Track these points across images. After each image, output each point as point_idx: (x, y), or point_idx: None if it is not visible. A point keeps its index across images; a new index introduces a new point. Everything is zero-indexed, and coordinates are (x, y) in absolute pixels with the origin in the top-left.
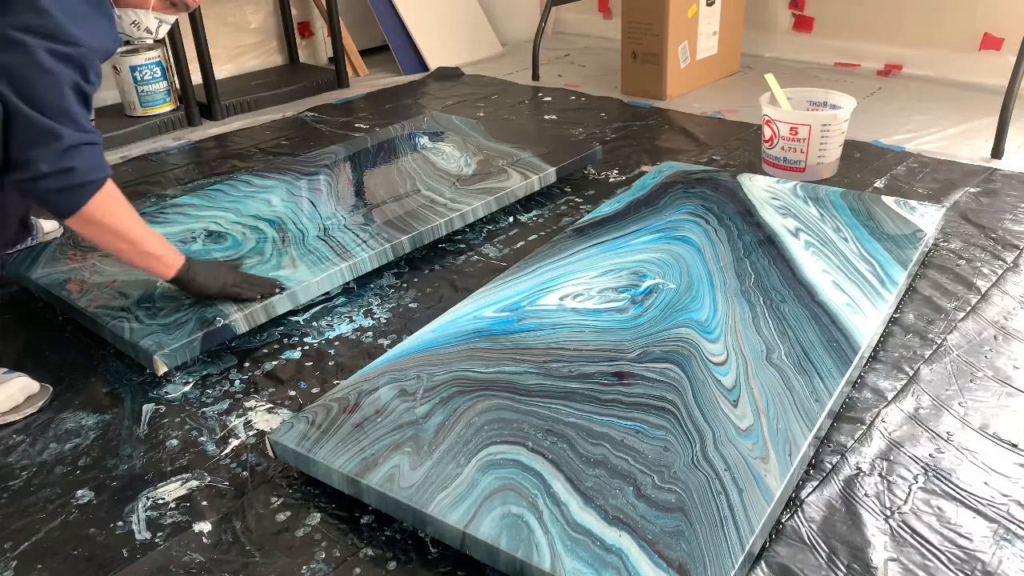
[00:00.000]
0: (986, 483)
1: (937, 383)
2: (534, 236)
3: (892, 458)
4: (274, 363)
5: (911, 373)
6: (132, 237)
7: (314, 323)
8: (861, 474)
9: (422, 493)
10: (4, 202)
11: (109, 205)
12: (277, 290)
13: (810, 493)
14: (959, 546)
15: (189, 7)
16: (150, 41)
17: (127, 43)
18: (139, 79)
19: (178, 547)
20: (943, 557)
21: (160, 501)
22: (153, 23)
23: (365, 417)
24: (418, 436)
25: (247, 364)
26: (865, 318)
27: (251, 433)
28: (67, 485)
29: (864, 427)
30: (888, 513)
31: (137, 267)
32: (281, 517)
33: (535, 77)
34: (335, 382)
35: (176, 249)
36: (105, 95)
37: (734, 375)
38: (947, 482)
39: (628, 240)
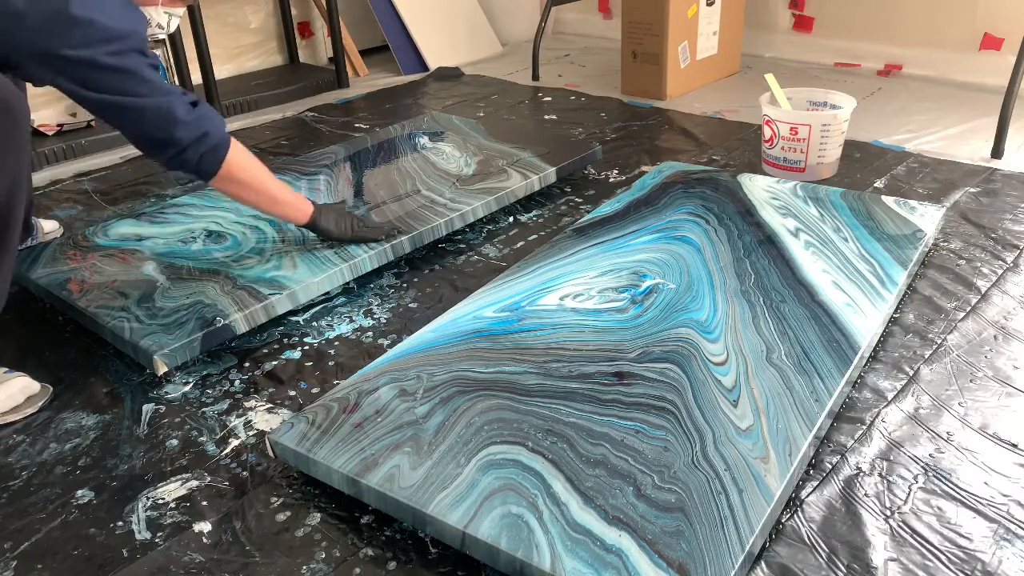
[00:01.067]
0: (986, 483)
1: (937, 383)
2: (534, 236)
3: (892, 458)
4: (274, 363)
5: (911, 373)
6: (267, 187)
7: (314, 323)
8: (861, 474)
9: (422, 493)
10: None
11: (243, 158)
12: (397, 232)
13: (810, 493)
14: (959, 546)
15: None
16: (163, 36)
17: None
18: None
19: (178, 547)
20: (943, 557)
21: (160, 501)
22: (164, 18)
23: (365, 417)
24: (418, 436)
25: (247, 364)
26: (865, 318)
27: (251, 433)
28: (67, 485)
29: (864, 427)
30: (888, 513)
31: (273, 215)
32: (281, 517)
33: (535, 77)
34: (335, 382)
35: (302, 196)
36: None
37: (734, 375)
38: (947, 482)
39: (628, 240)
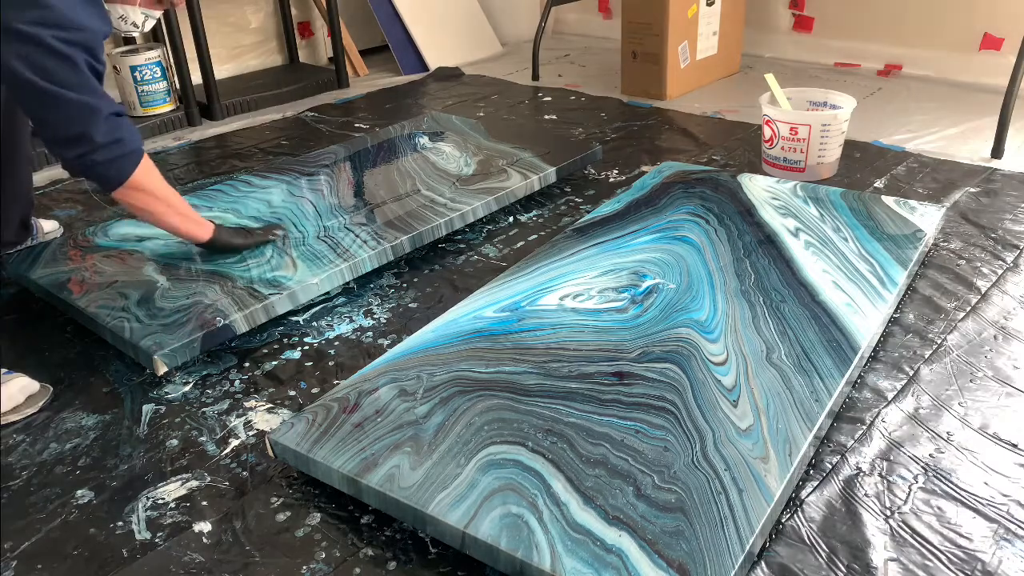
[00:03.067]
0: (986, 483)
1: (937, 383)
2: (534, 236)
3: (892, 458)
4: (274, 363)
5: (911, 373)
6: (172, 201)
7: (314, 323)
8: (861, 474)
9: (422, 493)
10: (4, 198)
11: (151, 171)
12: (280, 231)
13: (810, 493)
14: (959, 546)
15: (175, 4)
16: (136, 34)
17: (126, 38)
18: (139, 79)
19: (178, 547)
20: (943, 557)
21: (160, 501)
22: (140, 18)
23: (365, 417)
24: (418, 436)
25: (247, 364)
26: (865, 318)
27: (251, 433)
28: (67, 485)
29: (864, 427)
30: (888, 513)
31: (177, 231)
32: (281, 517)
33: (535, 77)
34: (335, 382)
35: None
36: None
37: (734, 375)
38: (947, 482)
39: (628, 240)
